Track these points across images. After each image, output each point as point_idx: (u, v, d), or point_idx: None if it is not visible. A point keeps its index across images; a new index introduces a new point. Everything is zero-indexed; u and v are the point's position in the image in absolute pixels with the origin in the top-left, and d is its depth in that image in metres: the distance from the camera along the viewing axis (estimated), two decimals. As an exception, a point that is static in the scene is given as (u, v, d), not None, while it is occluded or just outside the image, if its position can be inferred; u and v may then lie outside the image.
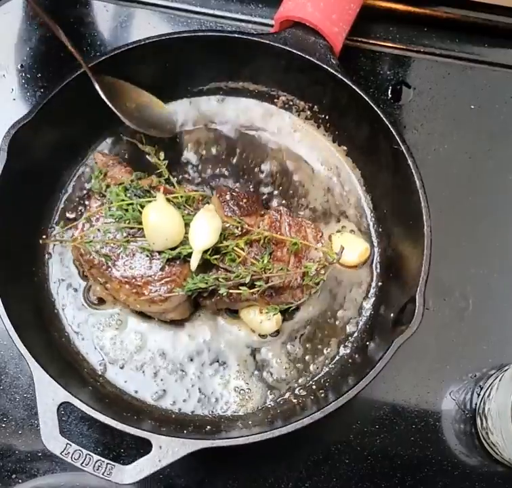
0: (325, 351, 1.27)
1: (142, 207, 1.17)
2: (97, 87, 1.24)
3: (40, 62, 1.42)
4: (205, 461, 1.25)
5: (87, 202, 1.30)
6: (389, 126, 1.22)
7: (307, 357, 1.26)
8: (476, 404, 1.28)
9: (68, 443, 1.04)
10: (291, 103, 1.38)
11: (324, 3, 1.28)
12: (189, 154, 1.36)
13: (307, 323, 1.28)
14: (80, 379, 1.21)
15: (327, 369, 1.25)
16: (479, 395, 1.29)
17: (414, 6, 1.47)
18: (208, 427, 1.18)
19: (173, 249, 1.16)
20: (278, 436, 1.06)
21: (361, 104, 1.25)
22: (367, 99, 1.24)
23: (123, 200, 1.18)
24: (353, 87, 1.25)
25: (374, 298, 1.29)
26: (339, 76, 1.26)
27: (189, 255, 1.15)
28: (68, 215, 1.32)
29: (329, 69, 1.26)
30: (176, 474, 1.24)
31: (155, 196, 1.17)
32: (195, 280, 1.15)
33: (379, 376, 1.10)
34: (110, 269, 1.18)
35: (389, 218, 1.30)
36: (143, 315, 1.26)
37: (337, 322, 1.28)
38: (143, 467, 1.03)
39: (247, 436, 1.06)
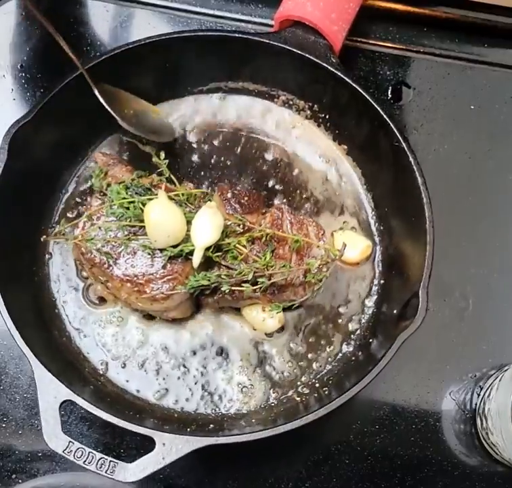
0: (328, 348, 1.26)
1: (143, 204, 1.17)
2: (95, 90, 1.24)
3: (40, 62, 1.43)
4: (205, 461, 1.25)
5: (87, 202, 1.30)
6: (390, 123, 1.23)
7: (310, 355, 1.26)
8: (476, 404, 1.28)
9: (70, 441, 1.03)
10: (291, 102, 1.38)
11: (323, 2, 1.29)
12: (189, 153, 1.36)
13: (310, 321, 1.27)
14: (81, 378, 1.20)
15: (330, 367, 1.25)
16: (479, 395, 1.28)
17: (414, 6, 1.48)
18: (211, 425, 1.18)
19: (174, 246, 1.15)
20: (279, 434, 1.06)
21: (361, 102, 1.25)
22: (367, 96, 1.24)
23: (124, 198, 1.18)
24: (354, 85, 1.25)
25: (376, 295, 1.29)
26: (339, 74, 1.26)
27: (191, 252, 1.15)
28: (68, 214, 1.32)
29: (329, 67, 1.26)
30: (176, 474, 1.23)
31: (156, 194, 1.16)
32: (197, 278, 1.15)
33: (379, 376, 1.10)
34: (111, 267, 1.18)
35: (390, 216, 1.30)
36: (144, 314, 1.25)
37: (340, 320, 1.28)
38: (147, 465, 1.02)
39: (251, 433, 1.06)
